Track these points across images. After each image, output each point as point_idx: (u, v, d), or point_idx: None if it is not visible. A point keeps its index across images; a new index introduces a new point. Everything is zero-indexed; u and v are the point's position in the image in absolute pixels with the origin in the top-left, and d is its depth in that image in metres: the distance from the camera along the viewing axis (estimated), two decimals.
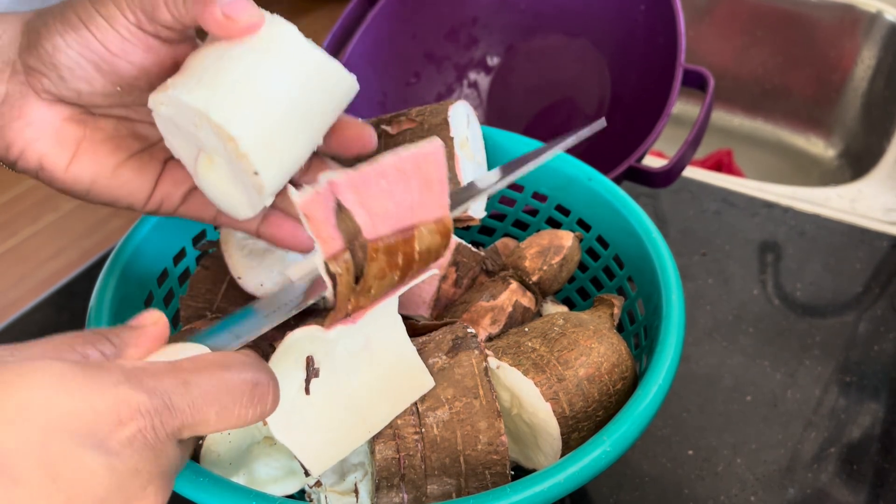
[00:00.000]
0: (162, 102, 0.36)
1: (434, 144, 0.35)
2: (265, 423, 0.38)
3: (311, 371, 0.38)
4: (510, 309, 0.50)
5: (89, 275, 0.70)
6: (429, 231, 0.37)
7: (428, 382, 0.41)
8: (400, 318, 0.41)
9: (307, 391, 0.38)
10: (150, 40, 0.36)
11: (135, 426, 0.25)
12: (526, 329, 0.47)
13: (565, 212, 0.57)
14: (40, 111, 0.37)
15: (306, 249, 0.43)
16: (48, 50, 0.36)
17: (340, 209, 0.34)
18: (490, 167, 0.59)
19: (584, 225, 0.56)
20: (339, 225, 0.34)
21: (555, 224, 0.58)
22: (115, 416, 0.25)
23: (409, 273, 0.38)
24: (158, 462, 0.26)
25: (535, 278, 0.51)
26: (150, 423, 0.26)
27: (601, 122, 0.46)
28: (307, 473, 0.39)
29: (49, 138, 0.38)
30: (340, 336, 0.38)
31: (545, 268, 0.51)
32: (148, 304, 0.50)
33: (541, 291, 0.52)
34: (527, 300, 0.51)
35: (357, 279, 0.35)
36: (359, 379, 0.40)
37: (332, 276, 0.35)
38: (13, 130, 0.37)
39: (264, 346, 0.45)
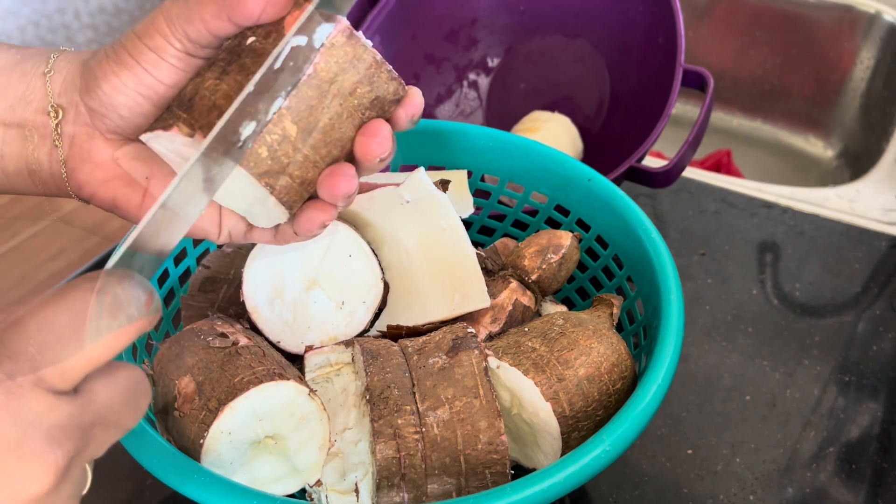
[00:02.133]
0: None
1: None
2: None
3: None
4: (510, 307, 0.50)
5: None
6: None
7: (484, 300, 0.48)
8: (462, 226, 0.51)
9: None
10: (196, 63, 0.36)
11: None
12: (526, 329, 0.47)
13: (565, 212, 0.57)
14: (107, 153, 0.38)
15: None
16: (106, 91, 0.36)
17: None
18: (489, 168, 0.60)
19: (583, 225, 0.56)
20: None
21: (554, 224, 0.58)
22: None
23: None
24: (21, 417, 0.24)
25: (534, 277, 0.51)
26: None
27: None
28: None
29: (118, 179, 0.38)
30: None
31: (544, 266, 0.51)
32: (148, 304, 0.50)
33: (540, 290, 0.52)
34: (527, 299, 0.51)
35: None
36: (420, 266, 0.50)
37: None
38: (83, 173, 0.38)
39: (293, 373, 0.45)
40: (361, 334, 0.50)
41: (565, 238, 0.52)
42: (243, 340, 0.45)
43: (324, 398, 0.46)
